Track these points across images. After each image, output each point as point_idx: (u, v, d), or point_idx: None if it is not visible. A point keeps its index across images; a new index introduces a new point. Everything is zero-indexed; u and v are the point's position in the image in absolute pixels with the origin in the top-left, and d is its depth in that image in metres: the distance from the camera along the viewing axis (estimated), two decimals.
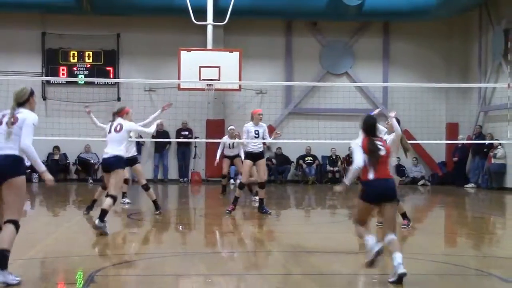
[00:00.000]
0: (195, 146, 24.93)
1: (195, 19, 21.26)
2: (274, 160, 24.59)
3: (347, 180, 7.72)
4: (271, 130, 16.80)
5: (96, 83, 24.01)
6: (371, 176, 7.73)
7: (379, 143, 7.86)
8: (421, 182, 24.88)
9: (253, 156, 13.65)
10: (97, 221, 10.67)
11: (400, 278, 7.37)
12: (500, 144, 21.81)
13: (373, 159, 7.75)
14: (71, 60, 24.50)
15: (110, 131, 11.39)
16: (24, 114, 7.28)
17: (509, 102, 17.52)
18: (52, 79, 23.85)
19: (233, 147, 18.02)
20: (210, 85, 19.91)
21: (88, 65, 24.53)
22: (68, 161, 24.54)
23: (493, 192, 21.22)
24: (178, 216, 14.52)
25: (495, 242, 11.20)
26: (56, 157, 24.30)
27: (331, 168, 25.00)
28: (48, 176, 7.40)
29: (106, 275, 7.73)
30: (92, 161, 24.35)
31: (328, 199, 20.16)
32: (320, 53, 25.56)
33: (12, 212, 7.03)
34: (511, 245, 11.08)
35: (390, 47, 25.75)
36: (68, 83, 24.10)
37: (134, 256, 9.27)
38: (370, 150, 7.78)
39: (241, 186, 13.93)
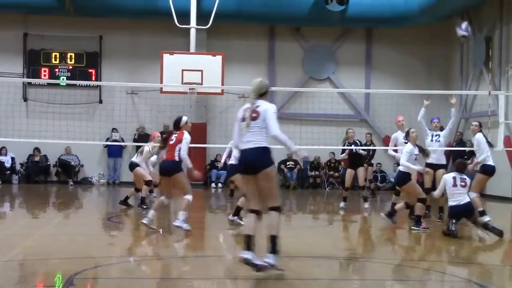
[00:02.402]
0: None
1: (178, 22, 21.22)
2: None
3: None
4: None
5: (78, 85, 23.86)
6: (164, 156, 11.59)
7: (175, 135, 11.40)
8: None
9: None
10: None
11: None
12: None
13: (164, 145, 11.63)
14: (53, 61, 24.36)
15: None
16: (263, 105, 7.95)
17: (489, 110, 17.60)
18: (33, 80, 23.71)
19: None
20: (192, 88, 19.88)
21: (70, 67, 24.42)
22: (48, 162, 24.39)
23: None
24: (158, 219, 14.43)
25: (474, 249, 11.26)
26: (37, 158, 24.16)
27: (313, 173, 25.03)
28: (303, 153, 8.87)
29: (85, 278, 7.69)
30: (72, 163, 24.23)
31: (309, 204, 20.20)
32: (302, 58, 25.62)
33: (272, 200, 7.77)
34: (490, 252, 11.15)
35: (373, 53, 25.86)
36: (49, 84, 23.96)
37: (114, 259, 9.22)
38: (164, 140, 11.71)
39: None
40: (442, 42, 25.42)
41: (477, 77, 23.33)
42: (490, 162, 13.51)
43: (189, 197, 11.37)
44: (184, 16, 21.32)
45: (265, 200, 7.87)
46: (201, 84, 19.93)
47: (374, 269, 8.99)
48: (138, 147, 23.96)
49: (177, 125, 11.66)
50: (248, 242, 7.80)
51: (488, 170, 13.46)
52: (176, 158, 11.24)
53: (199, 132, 24.13)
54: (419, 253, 10.97)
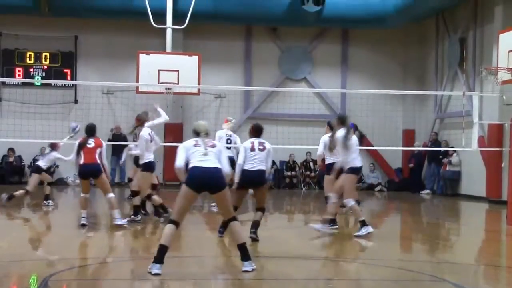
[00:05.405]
0: None
1: (154, 22, 21.15)
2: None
3: None
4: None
5: (53, 85, 23.68)
6: (81, 161, 12.18)
7: (91, 139, 12.19)
8: (378, 188, 25.09)
9: None
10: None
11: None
12: (455, 151, 22.10)
13: (80, 149, 12.15)
14: (28, 61, 24.15)
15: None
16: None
17: (464, 110, 17.74)
18: (8, 80, 23.49)
19: None
20: (169, 88, 19.82)
21: (45, 67, 24.23)
22: (23, 163, 24.18)
23: (448, 199, 21.49)
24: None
25: (449, 248, 11.35)
26: (11, 159, 23.94)
27: (289, 173, 25.06)
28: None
29: (60, 280, 7.65)
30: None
31: (285, 204, 20.24)
32: (279, 59, 25.64)
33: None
34: (465, 251, 11.24)
35: (349, 54, 25.94)
36: (24, 84, 23.76)
37: (89, 261, 9.18)
38: (80, 145, 12.24)
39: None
40: (418, 43, 25.59)
41: (452, 77, 23.51)
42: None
43: (112, 195, 12.49)
44: (160, 16, 21.25)
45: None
46: (178, 84, 19.89)
47: (350, 269, 9.04)
48: (113, 147, 24.00)
49: (93, 132, 12.48)
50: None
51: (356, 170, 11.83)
52: (98, 161, 12.22)
53: (175, 132, 24.08)
54: (395, 253, 11.03)
